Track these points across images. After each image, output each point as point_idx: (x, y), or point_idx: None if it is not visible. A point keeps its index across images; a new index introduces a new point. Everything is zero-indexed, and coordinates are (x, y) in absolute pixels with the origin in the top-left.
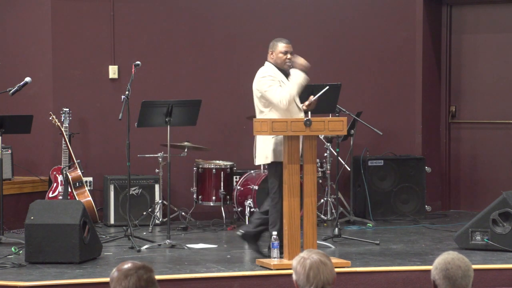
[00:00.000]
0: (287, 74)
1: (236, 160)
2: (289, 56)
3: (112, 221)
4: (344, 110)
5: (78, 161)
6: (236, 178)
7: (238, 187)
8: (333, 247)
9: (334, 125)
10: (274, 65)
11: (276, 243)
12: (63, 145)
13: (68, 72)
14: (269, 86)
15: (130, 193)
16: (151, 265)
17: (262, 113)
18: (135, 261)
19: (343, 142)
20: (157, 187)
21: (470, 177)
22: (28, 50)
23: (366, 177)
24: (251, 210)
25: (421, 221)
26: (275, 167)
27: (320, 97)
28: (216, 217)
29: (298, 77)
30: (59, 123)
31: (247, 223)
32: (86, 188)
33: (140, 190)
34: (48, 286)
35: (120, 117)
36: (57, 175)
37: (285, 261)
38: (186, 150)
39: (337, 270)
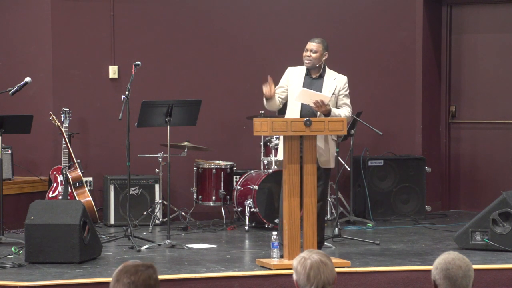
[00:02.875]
0: (315, 75)
1: (236, 160)
2: (308, 53)
3: (112, 221)
4: None
5: (78, 161)
6: (236, 178)
7: (238, 187)
8: (333, 247)
9: (334, 125)
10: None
11: (276, 243)
12: (63, 145)
13: (68, 72)
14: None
15: (130, 193)
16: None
17: None
18: (136, 260)
19: (343, 142)
20: (157, 187)
21: (470, 177)
22: (28, 50)
23: (366, 177)
24: (251, 210)
25: (421, 221)
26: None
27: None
28: (216, 217)
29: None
30: (59, 123)
31: (247, 223)
32: (86, 188)
33: (140, 190)
34: (48, 286)
35: (120, 117)
36: (57, 175)
37: (285, 261)
38: (186, 150)
39: (337, 270)
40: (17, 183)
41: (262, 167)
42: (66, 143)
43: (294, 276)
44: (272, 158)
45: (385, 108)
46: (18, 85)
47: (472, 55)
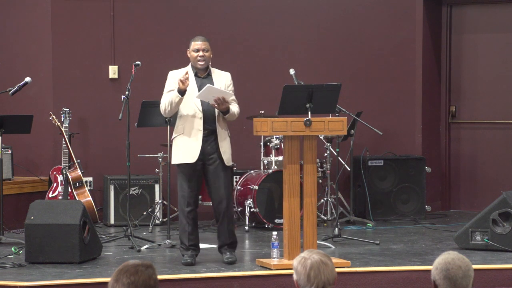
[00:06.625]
0: (203, 75)
1: (236, 160)
2: (201, 53)
3: (112, 221)
4: (344, 110)
5: (78, 161)
6: (236, 178)
7: (238, 187)
8: (333, 247)
9: (334, 125)
10: (193, 65)
11: (276, 243)
12: (63, 145)
13: (68, 72)
14: (165, 89)
15: (130, 193)
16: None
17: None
18: (136, 260)
19: (343, 142)
20: (157, 187)
21: (470, 177)
22: (28, 50)
23: (366, 177)
24: (251, 210)
25: (421, 221)
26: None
27: (322, 97)
28: None
29: (204, 91)
30: (59, 123)
31: (247, 223)
32: (86, 188)
33: (140, 190)
34: (48, 286)
35: (120, 117)
36: (57, 175)
37: (285, 261)
38: None
39: (337, 270)
40: (17, 183)
41: (262, 167)
42: (66, 143)
43: (294, 276)
44: (272, 158)
45: (385, 108)
46: (18, 85)
47: (472, 55)
